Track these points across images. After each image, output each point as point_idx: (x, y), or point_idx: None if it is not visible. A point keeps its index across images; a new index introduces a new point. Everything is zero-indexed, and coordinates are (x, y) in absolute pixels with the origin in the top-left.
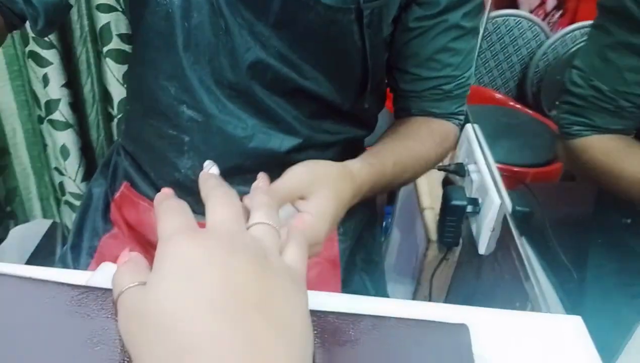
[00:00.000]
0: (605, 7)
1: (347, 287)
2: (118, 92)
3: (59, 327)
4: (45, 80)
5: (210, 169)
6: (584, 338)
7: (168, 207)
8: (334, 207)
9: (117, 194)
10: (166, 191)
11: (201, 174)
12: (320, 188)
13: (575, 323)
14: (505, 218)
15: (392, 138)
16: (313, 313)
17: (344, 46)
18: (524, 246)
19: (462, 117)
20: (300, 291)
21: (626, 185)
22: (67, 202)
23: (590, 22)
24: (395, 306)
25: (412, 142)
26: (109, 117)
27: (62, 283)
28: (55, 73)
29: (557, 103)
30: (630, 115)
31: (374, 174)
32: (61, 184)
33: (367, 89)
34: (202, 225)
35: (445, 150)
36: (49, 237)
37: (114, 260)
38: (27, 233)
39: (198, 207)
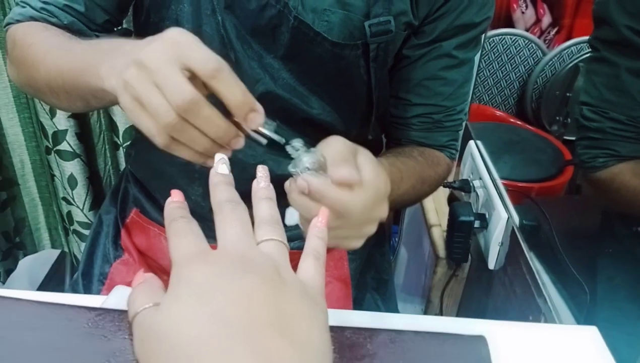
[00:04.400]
0: (605, 40)
1: (359, 305)
2: (124, 121)
3: (77, 349)
4: (52, 111)
5: (219, 167)
6: (601, 348)
7: (178, 229)
8: (380, 180)
9: (127, 220)
10: (176, 197)
11: (211, 173)
12: (364, 160)
13: (591, 334)
14: (513, 232)
15: (388, 156)
16: (330, 328)
17: (350, 79)
18: (533, 260)
19: (455, 151)
20: (317, 306)
21: None
22: (75, 231)
23: (586, 37)
24: (410, 320)
25: (411, 161)
26: (115, 146)
27: (79, 306)
28: None
29: (575, 142)
30: None
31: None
32: (69, 214)
33: (372, 119)
34: (213, 248)
35: (438, 175)
36: (57, 266)
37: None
38: (35, 264)
39: (209, 232)
